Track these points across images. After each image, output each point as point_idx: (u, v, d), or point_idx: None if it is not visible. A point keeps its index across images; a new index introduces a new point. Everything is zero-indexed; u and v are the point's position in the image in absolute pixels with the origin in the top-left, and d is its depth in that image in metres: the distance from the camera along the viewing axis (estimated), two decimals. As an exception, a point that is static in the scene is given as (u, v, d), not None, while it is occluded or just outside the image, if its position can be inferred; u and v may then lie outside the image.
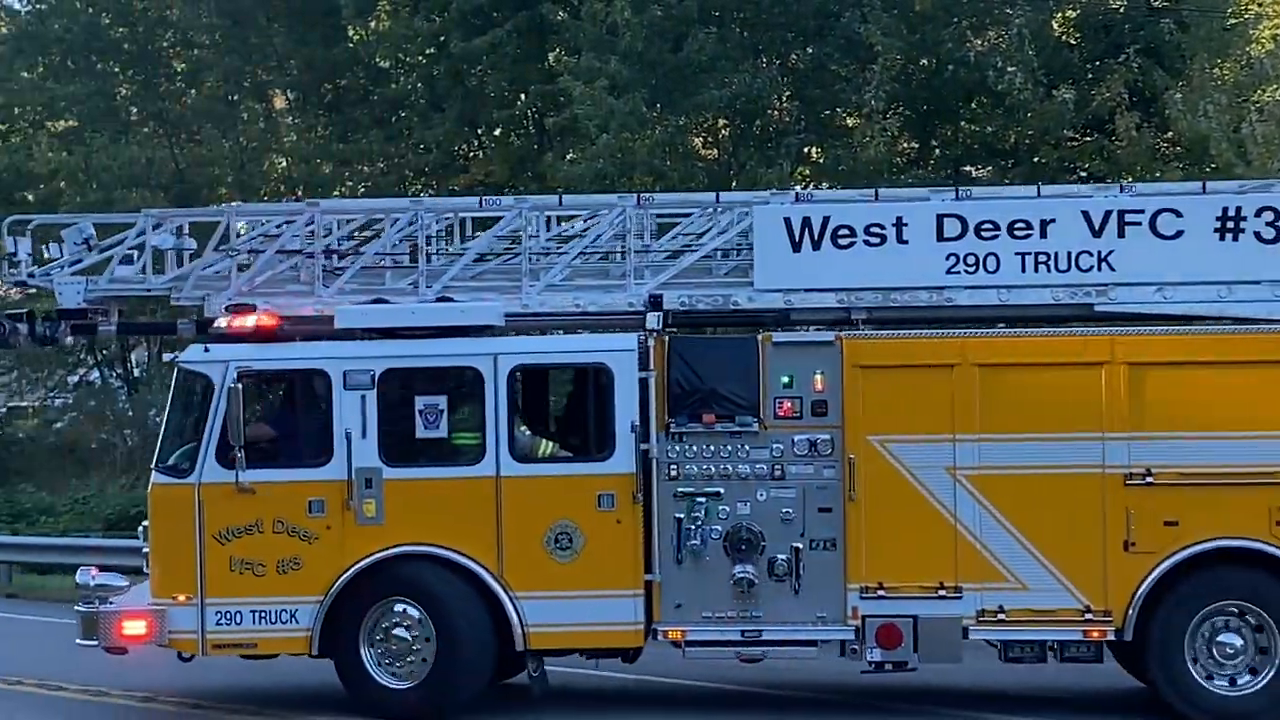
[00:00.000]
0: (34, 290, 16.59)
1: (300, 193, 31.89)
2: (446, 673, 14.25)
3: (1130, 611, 13.82)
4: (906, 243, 14.48)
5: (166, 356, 17.70)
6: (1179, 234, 14.30)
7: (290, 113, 34.77)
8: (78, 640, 14.79)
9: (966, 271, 14.41)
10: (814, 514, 14.14)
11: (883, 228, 14.48)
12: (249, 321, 14.56)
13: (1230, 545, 13.80)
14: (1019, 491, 13.91)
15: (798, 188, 25.96)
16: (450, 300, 14.66)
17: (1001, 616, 13.95)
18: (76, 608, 14.86)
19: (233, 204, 16.72)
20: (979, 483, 13.93)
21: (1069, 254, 14.35)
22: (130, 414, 33.56)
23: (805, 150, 30.66)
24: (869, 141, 28.23)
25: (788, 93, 30.61)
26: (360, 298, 15.01)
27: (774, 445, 14.18)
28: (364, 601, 14.33)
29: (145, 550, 14.89)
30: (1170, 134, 27.31)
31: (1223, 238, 14.25)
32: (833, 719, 14.86)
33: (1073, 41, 29.64)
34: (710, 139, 31.66)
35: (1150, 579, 13.79)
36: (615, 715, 14.99)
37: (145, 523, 14.88)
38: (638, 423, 14.07)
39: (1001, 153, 29.77)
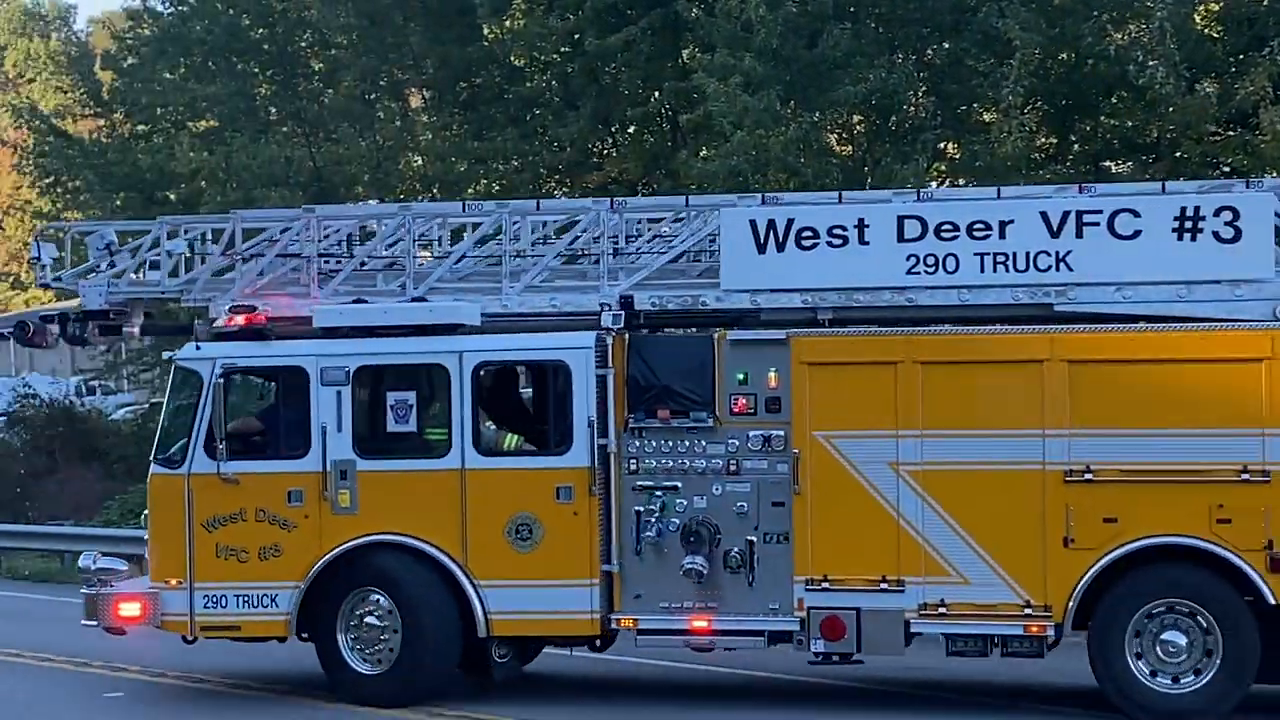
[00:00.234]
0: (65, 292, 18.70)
1: (436, 191, 34.00)
2: (414, 659, 16.05)
3: (1070, 606, 15.02)
4: (868, 244, 15.90)
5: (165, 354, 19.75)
6: (1137, 234, 15.46)
7: (426, 111, 36.92)
8: (82, 621, 16.87)
9: (926, 272, 15.73)
10: (768, 508, 15.72)
11: (845, 229, 15.90)
12: (238, 320, 16.42)
13: (1169, 542, 14.98)
14: (961, 487, 15.29)
15: (933, 184, 27.07)
16: (424, 300, 16.36)
17: (943, 610, 15.31)
18: (81, 590, 16.88)
19: (238, 211, 18.63)
20: (921, 478, 15.32)
21: (1027, 254, 15.60)
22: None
23: (941, 146, 31.73)
24: (1006, 137, 29.02)
25: (923, 88, 31.66)
26: (353, 299, 16.81)
27: (730, 441, 15.76)
28: (340, 589, 16.26)
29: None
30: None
31: (1181, 238, 15.36)
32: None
33: (1215, 35, 30.22)
34: (845, 135, 32.81)
35: (1089, 575, 15.04)
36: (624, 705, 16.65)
37: (146, 511, 16.85)
38: (594, 418, 15.65)
39: (1142, 148, 30.48)
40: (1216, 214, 15.27)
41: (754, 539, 15.68)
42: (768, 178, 28.49)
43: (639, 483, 15.89)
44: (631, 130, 35.02)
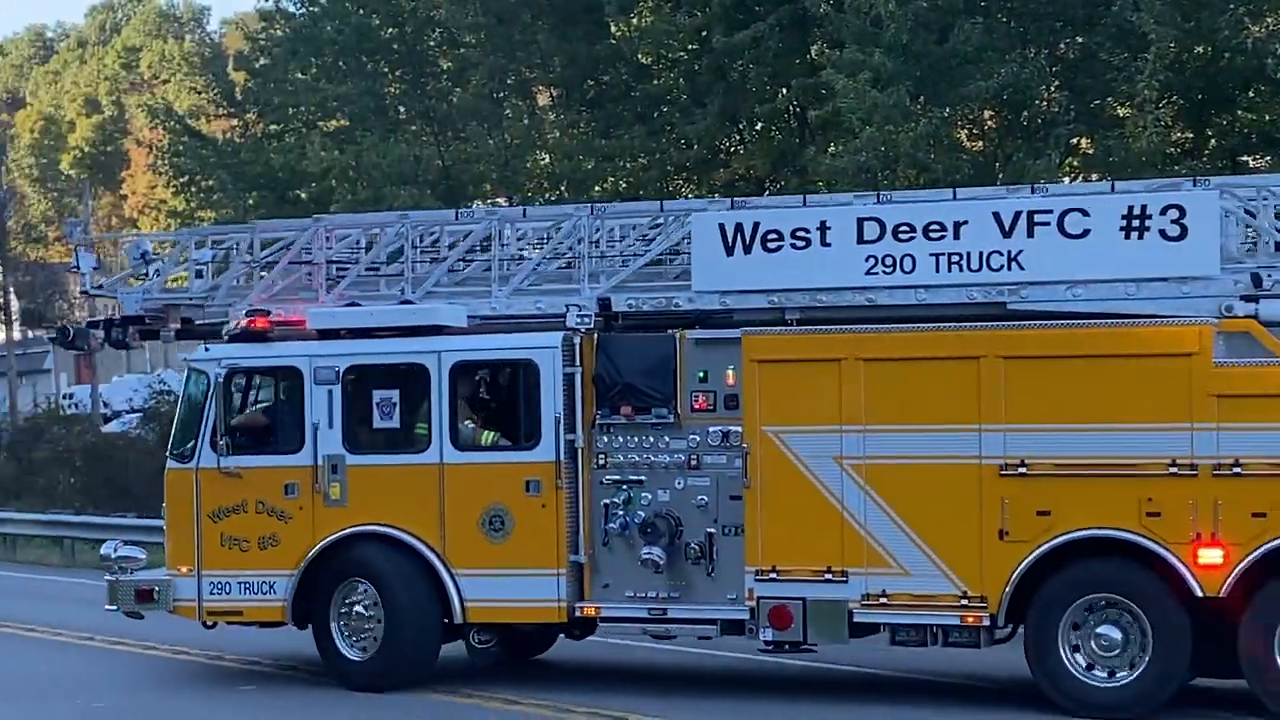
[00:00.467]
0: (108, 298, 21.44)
1: (564, 189, 36.33)
2: (395, 645, 18.50)
3: (1005, 596, 16.87)
4: (830, 245, 17.89)
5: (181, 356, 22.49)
6: (1086, 233, 17.23)
7: (553, 109, 39.42)
8: (105, 606, 19.48)
9: (885, 272, 17.69)
10: (726, 501, 17.89)
11: (808, 231, 17.97)
12: (242, 323, 18.90)
13: (1100, 535, 16.78)
14: (901, 480, 17.29)
15: (1066, 180, 28.62)
16: (411, 304, 18.68)
17: (884, 600, 17.31)
18: (105, 577, 19.49)
19: (256, 222, 21.16)
20: (864, 472, 17.33)
21: (980, 254, 17.47)
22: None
23: (1074, 141, 33.19)
24: (1141, 132, 30.33)
25: (1056, 83, 33.09)
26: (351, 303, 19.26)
27: (690, 436, 17.96)
28: (332, 578, 18.79)
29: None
30: None
31: (1128, 236, 17.11)
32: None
33: (1357, 26, 31.18)
34: (976, 131, 34.39)
35: (1022, 567, 16.91)
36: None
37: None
38: (562, 414, 17.86)
39: (1280, 142, 31.51)
40: (1163, 212, 16.92)
41: (713, 531, 17.83)
42: (897, 174, 30.29)
43: (606, 477, 18.16)
44: (759, 127, 37.09)
